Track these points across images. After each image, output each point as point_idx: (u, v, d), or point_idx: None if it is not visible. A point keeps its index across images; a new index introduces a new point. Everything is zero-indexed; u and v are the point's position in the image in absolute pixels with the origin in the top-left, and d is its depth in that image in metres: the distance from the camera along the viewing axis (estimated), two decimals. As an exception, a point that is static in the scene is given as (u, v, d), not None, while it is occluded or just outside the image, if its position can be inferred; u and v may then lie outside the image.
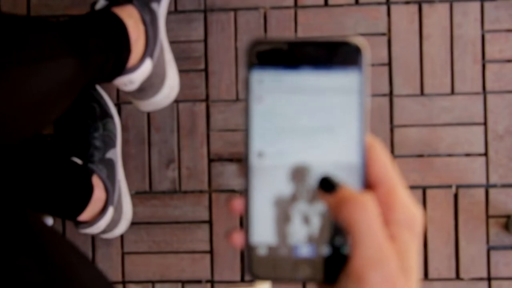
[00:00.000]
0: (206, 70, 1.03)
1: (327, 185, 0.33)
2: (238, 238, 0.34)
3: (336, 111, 0.33)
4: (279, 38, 0.33)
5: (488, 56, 1.01)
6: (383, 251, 0.31)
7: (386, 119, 1.01)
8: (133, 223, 1.04)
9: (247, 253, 0.34)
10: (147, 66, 0.84)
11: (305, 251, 0.33)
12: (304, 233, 0.33)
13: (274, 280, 0.34)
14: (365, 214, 0.31)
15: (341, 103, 0.33)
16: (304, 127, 0.33)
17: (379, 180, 0.33)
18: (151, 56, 0.85)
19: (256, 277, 0.34)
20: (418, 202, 1.01)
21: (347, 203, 0.32)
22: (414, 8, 1.01)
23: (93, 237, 1.05)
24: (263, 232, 0.34)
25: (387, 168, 0.34)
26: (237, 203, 0.34)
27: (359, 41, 0.33)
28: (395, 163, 1.06)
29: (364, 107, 0.33)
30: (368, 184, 0.34)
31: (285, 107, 0.33)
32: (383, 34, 1.02)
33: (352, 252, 0.31)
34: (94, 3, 0.85)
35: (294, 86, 0.33)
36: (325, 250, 0.33)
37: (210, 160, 1.03)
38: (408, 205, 0.33)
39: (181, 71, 1.00)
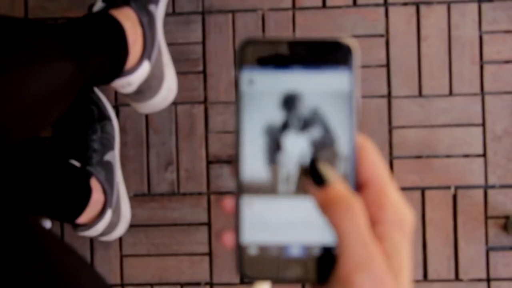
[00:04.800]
0: (204, 72, 1.03)
1: (317, 178, 0.33)
2: (229, 238, 0.34)
3: (327, 111, 0.33)
4: (270, 38, 0.33)
5: (486, 57, 1.01)
6: (370, 253, 0.31)
7: (385, 121, 1.01)
8: (132, 226, 1.04)
9: (238, 252, 0.34)
10: (145, 68, 0.84)
11: (296, 251, 0.33)
12: (295, 162, 0.33)
13: (266, 280, 0.34)
14: (353, 218, 0.31)
15: (332, 103, 0.33)
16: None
17: (370, 179, 0.33)
18: (149, 58, 0.85)
19: (247, 277, 0.34)
20: (417, 203, 1.01)
21: (336, 205, 0.32)
22: (412, 9, 1.02)
23: (92, 240, 1.05)
24: (254, 164, 0.33)
25: (378, 167, 0.34)
26: (228, 202, 0.34)
27: (350, 40, 0.33)
28: (391, 164, 1.05)
29: (355, 107, 0.33)
30: (358, 183, 0.33)
31: (275, 107, 0.33)
32: (381, 36, 1.02)
33: (339, 256, 0.31)
34: (91, 5, 0.85)
35: (285, 86, 0.33)
36: (316, 250, 0.33)
37: (209, 162, 1.03)
38: (398, 205, 0.33)
39: (179, 73, 1.00)
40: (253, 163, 0.34)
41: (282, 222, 0.33)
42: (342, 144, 0.33)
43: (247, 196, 0.34)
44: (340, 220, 0.31)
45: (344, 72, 0.33)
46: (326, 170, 0.33)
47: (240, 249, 0.34)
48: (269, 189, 0.34)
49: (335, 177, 0.33)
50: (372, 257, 0.31)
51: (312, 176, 0.33)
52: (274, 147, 0.33)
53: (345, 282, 0.31)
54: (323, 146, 0.33)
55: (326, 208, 0.32)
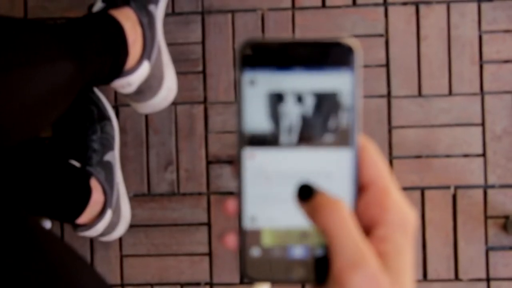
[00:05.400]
0: (204, 72, 1.03)
1: (304, 193, 0.33)
2: (231, 240, 0.34)
3: (328, 112, 0.33)
4: (271, 39, 0.33)
5: (485, 56, 1.01)
6: (362, 252, 0.31)
7: (384, 121, 1.01)
8: (132, 226, 1.04)
9: (241, 254, 0.34)
10: (144, 68, 0.84)
11: (298, 252, 0.33)
12: (297, 113, 0.33)
13: (268, 281, 0.34)
14: (340, 219, 0.31)
15: (333, 103, 0.33)
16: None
17: (372, 180, 0.33)
18: (149, 58, 0.85)
19: (250, 279, 0.34)
20: (416, 203, 1.01)
21: (321, 208, 0.32)
22: (411, 9, 1.02)
23: (92, 240, 1.05)
24: (256, 118, 0.33)
25: (379, 168, 0.34)
26: (231, 203, 0.34)
27: (352, 41, 0.33)
28: (391, 164, 1.05)
29: (357, 107, 0.33)
30: (361, 185, 0.34)
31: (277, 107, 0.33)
32: (381, 35, 1.02)
33: (331, 256, 0.31)
34: (91, 6, 0.85)
35: (286, 87, 0.33)
36: (318, 251, 0.33)
37: (209, 162, 1.03)
38: (401, 206, 0.33)
39: (179, 73, 1.00)
40: (255, 114, 0.33)
41: (284, 173, 0.33)
42: (345, 97, 0.33)
43: (249, 148, 0.34)
44: (328, 221, 0.31)
45: (346, 73, 0.33)
46: (311, 186, 0.33)
47: (242, 251, 0.34)
48: (271, 140, 0.34)
49: (320, 190, 0.33)
50: (363, 256, 0.31)
51: (299, 194, 0.33)
52: (276, 98, 0.33)
53: (339, 281, 0.31)
54: (325, 97, 0.33)
55: (314, 214, 0.32)
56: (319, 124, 0.33)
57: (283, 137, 0.33)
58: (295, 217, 0.33)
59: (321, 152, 0.33)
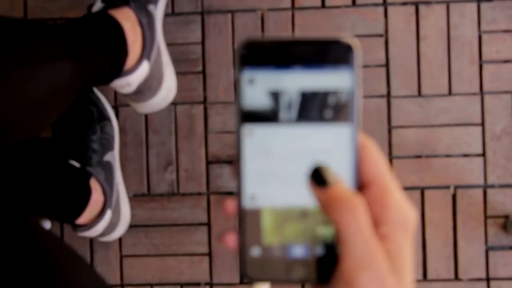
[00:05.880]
0: (203, 72, 1.03)
1: (319, 179, 0.33)
2: (231, 240, 0.34)
3: (328, 111, 0.33)
4: (270, 38, 0.33)
5: (485, 56, 1.01)
6: (372, 252, 0.31)
7: (384, 120, 1.01)
8: (132, 226, 1.04)
9: (241, 254, 0.34)
10: (144, 68, 0.84)
11: (299, 251, 0.33)
12: (296, 108, 0.33)
13: (268, 281, 0.34)
14: (355, 218, 0.31)
15: (333, 102, 0.33)
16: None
17: (372, 179, 0.33)
18: (148, 58, 0.85)
19: (250, 279, 0.34)
20: (416, 203, 1.01)
21: (338, 204, 0.32)
22: (411, 9, 1.02)
23: (91, 240, 1.05)
24: (254, 93, 0.33)
25: (380, 167, 0.34)
26: (230, 203, 0.34)
27: (351, 39, 0.33)
28: (390, 164, 1.05)
29: (356, 106, 0.33)
30: (361, 183, 0.33)
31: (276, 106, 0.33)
32: (381, 35, 1.02)
33: (342, 254, 0.31)
34: (91, 6, 0.85)
35: (286, 85, 0.33)
36: (319, 251, 0.33)
37: (208, 162, 1.03)
38: (401, 204, 0.33)
39: (179, 73, 1.00)
40: (254, 92, 0.33)
41: (283, 150, 0.33)
42: (345, 95, 0.33)
43: (248, 125, 0.33)
44: (342, 218, 0.31)
45: (345, 71, 0.33)
46: (328, 171, 0.33)
47: (242, 251, 0.34)
48: (270, 116, 0.33)
49: (337, 178, 0.33)
50: (374, 257, 0.31)
51: (314, 177, 0.33)
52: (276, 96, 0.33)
53: (347, 281, 0.31)
54: (324, 96, 0.33)
55: (329, 206, 0.32)
56: (317, 119, 0.33)
57: (283, 114, 0.33)
58: (295, 195, 0.33)
59: (320, 129, 0.33)
